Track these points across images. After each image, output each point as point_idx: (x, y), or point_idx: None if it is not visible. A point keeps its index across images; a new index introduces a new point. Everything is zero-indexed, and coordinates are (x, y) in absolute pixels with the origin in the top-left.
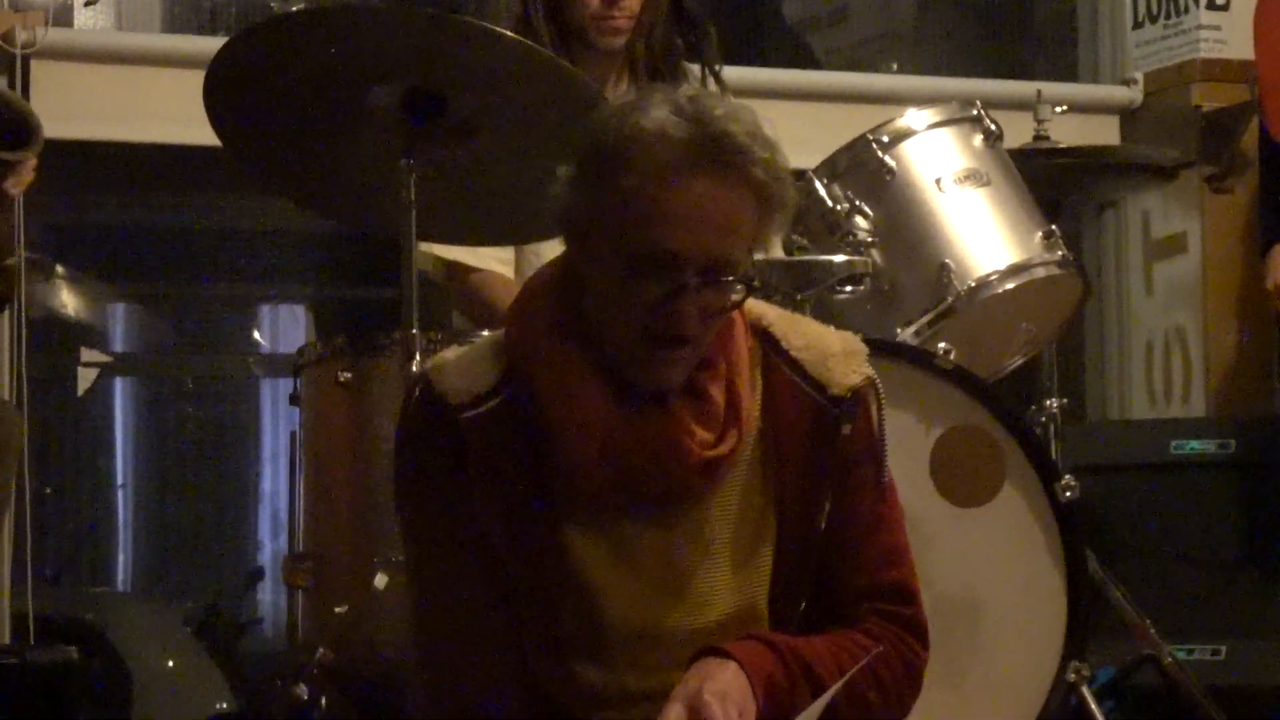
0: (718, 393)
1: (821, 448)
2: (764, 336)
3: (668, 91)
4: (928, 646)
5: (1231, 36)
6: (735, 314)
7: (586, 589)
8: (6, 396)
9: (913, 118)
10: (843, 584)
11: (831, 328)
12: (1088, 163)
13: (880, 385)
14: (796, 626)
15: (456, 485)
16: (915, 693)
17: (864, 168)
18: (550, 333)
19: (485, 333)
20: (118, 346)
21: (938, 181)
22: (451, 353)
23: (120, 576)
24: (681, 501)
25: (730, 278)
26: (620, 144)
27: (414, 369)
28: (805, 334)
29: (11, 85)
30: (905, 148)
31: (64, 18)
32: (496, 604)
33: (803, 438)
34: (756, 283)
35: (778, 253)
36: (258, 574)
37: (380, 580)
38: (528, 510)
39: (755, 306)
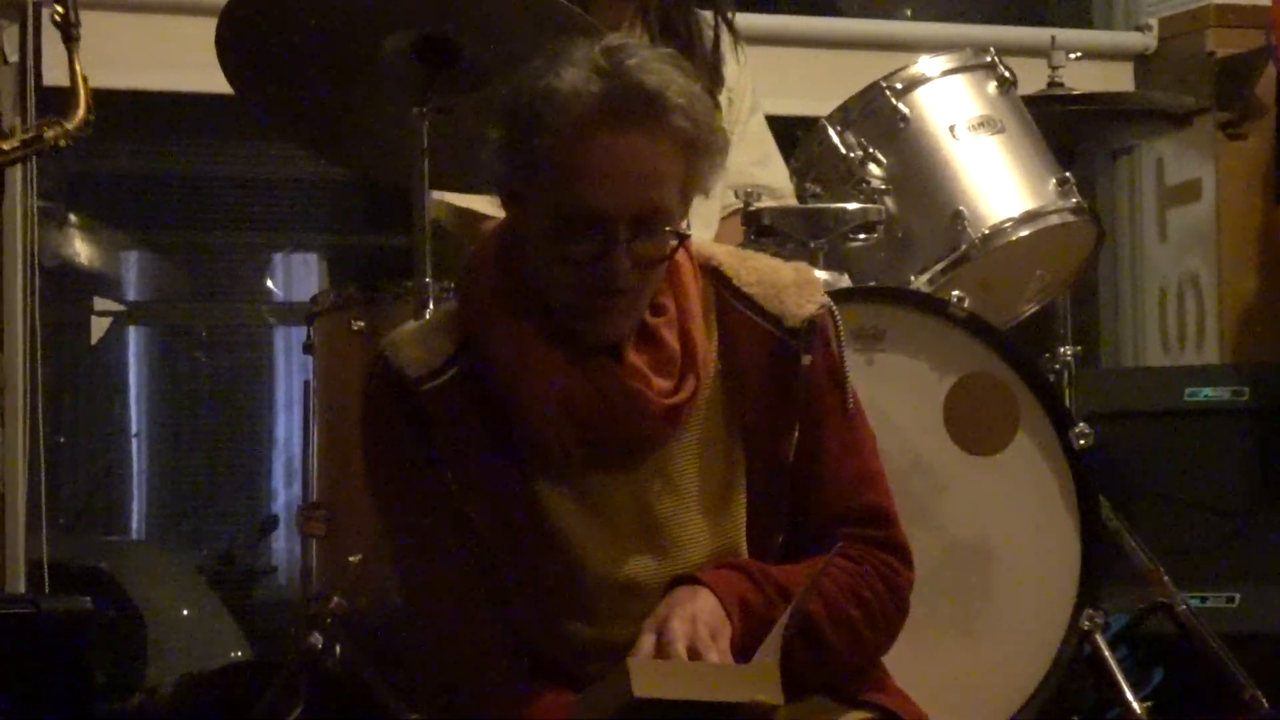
0: (672, 338)
1: (783, 380)
2: (714, 276)
3: (586, 46)
4: (911, 566)
5: None
6: (683, 257)
7: (564, 545)
8: (20, 345)
9: (926, 64)
10: (817, 513)
11: (782, 261)
12: (1102, 109)
13: (837, 311)
14: (776, 562)
15: (424, 456)
16: (902, 612)
17: (877, 115)
18: (497, 300)
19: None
20: (131, 295)
21: (951, 129)
22: (407, 327)
23: (134, 525)
24: (645, 450)
25: (662, 227)
26: (535, 105)
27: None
28: (756, 269)
29: (24, 33)
30: (919, 95)
31: None
32: (475, 569)
33: (763, 373)
34: (689, 231)
35: (722, 196)
36: (272, 523)
37: None
38: (497, 474)
39: (704, 247)
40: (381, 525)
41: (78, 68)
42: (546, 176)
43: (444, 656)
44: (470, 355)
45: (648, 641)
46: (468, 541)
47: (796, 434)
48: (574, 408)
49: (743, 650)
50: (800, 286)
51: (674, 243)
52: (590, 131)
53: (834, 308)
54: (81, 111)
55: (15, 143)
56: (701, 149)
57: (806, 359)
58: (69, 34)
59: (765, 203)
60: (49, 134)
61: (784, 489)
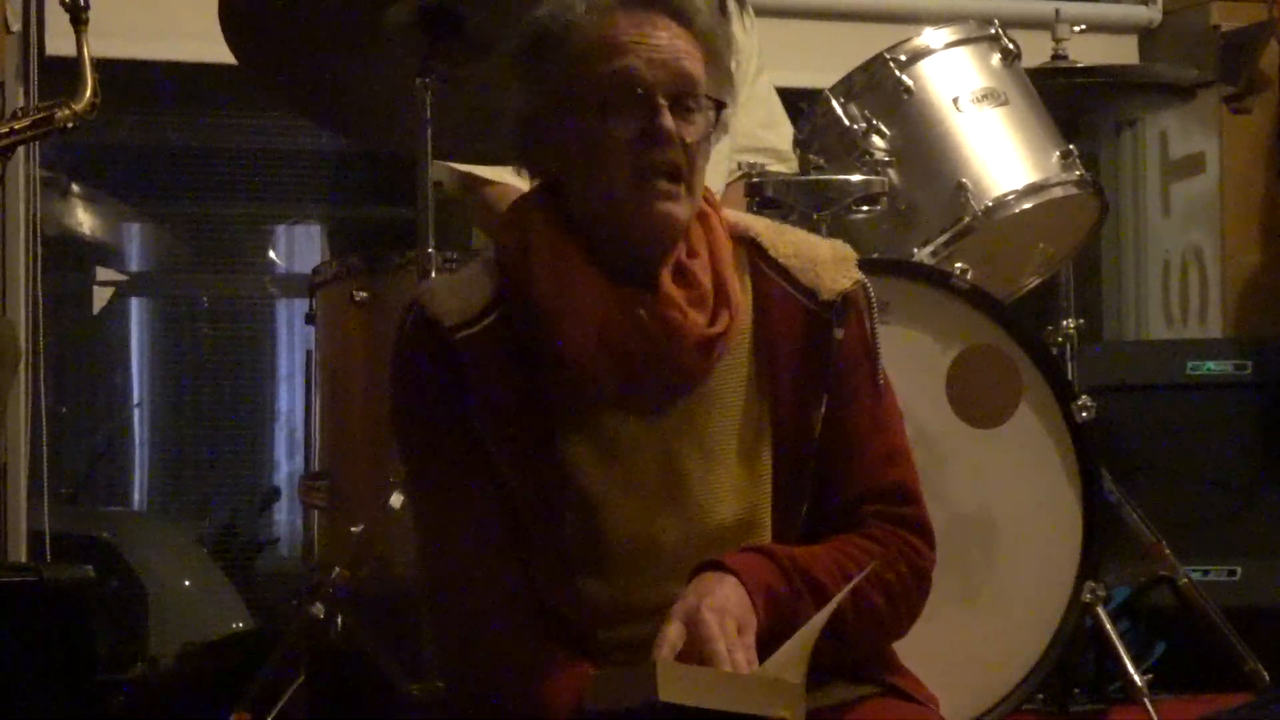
0: (705, 277)
1: (815, 353)
2: (750, 245)
3: None
4: (934, 546)
5: None
6: (715, 218)
7: (587, 501)
8: (22, 314)
9: (930, 36)
10: (843, 488)
11: (818, 236)
12: (1106, 82)
13: (870, 288)
14: (799, 534)
15: (455, 407)
16: (924, 594)
17: (881, 87)
18: (544, 231)
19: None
20: (133, 265)
21: (955, 101)
22: (443, 277)
23: (136, 496)
24: (680, 391)
25: (698, 98)
26: (560, 14)
27: None
28: (793, 242)
29: (27, 3)
30: (923, 66)
31: None
32: (500, 524)
33: (795, 343)
34: (726, 102)
35: (729, 158)
36: (274, 494)
37: (396, 499)
38: (526, 425)
39: (740, 218)
40: (406, 473)
41: (86, 50)
42: (584, 68)
43: (462, 607)
44: (507, 301)
45: (675, 630)
46: (493, 493)
47: (825, 408)
48: (611, 337)
49: (766, 643)
50: (836, 262)
51: (711, 113)
52: (618, 13)
53: (868, 285)
54: (89, 94)
55: (26, 123)
56: (716, 51)
57: (839, 333)
58: (78, 15)
59: (771, 167)
60: (59, 115)
61: (810, 461)
